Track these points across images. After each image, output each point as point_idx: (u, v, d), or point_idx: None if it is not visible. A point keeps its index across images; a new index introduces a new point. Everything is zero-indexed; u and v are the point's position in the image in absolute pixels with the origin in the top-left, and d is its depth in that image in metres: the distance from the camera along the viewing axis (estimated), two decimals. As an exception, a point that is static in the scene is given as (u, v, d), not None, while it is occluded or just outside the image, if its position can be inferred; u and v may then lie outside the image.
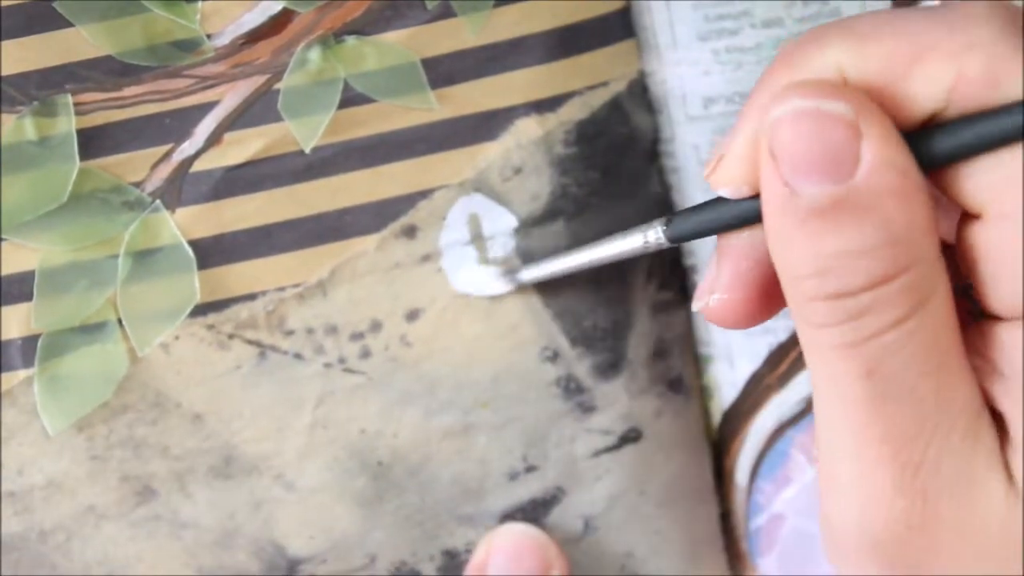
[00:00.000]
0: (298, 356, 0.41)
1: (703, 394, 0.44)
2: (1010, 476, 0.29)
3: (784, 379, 0.43)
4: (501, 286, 0.41)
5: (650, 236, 0.34)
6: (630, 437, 0.43)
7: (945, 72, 0.28)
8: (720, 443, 0.44)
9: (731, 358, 0.43)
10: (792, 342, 0.43)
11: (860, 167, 0.28)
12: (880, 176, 0.28)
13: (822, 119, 0.28)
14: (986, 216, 0.29)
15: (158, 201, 0.40)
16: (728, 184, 0.31)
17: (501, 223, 0.41)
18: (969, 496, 0.29)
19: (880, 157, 0.28)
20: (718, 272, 0.32)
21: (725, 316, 0.32)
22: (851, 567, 0.31)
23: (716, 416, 0.44)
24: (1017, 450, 0.29)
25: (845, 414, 0.29)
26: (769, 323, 0.42)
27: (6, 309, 0.39)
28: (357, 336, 0.41)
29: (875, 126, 0.28)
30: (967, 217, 0.29)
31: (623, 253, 0.35)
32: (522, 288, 0.41)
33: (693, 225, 0.33)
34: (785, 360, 0.43)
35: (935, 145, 0.29)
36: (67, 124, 0.39)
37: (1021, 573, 0.30)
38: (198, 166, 0.40)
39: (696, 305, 0.33)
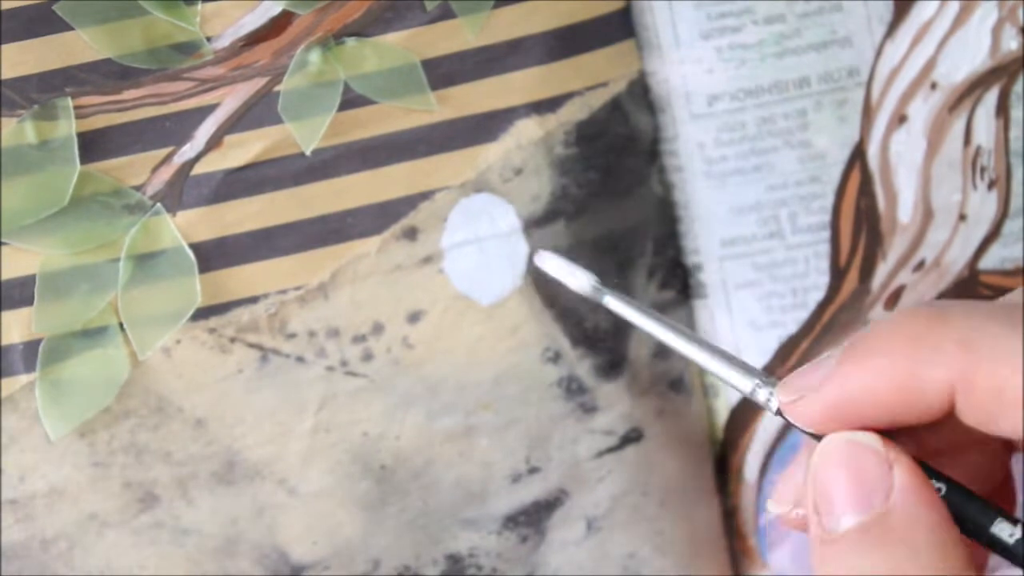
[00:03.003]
0: (300, 359, 0.41)
1: (707, 392, 0.44)
2: None
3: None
4: (578, 282, 0.37)
5: (761, 395, 0.34)
6: (632, 437, 0.43)
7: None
8: (727, 440, 0.44)
9: (739, 353, 0.43)
10: (801, 335, 0.43)
11: (892, 495, 0.31)
12: (910, 505, 0.30)
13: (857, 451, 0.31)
14: None
15: (159, 204, 0.40)
16: (809, 424, 0.33)
17: (505, 221, 0.41)
18: None
19: (910, 485, 0.31)
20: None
21: None
22: None
23: (723, 414, 0.44)
24: None
25: None
26: (778, 316, 0.43)
27: (7, 314, 0.39)
28: (359, 339, 0.41)
29: (903, 457, 0.31)
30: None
31: (721, 376, 0.35)
32: (528, 290, 0.41)
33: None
34: (795, 353, 0.43)
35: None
36: (67, 127, 0.39)
37: None
38: (199, 169, 0.40)
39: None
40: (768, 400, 0.33)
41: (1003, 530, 0.31)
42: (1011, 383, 0.30)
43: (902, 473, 0.31)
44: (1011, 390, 0.30)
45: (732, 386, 0.34)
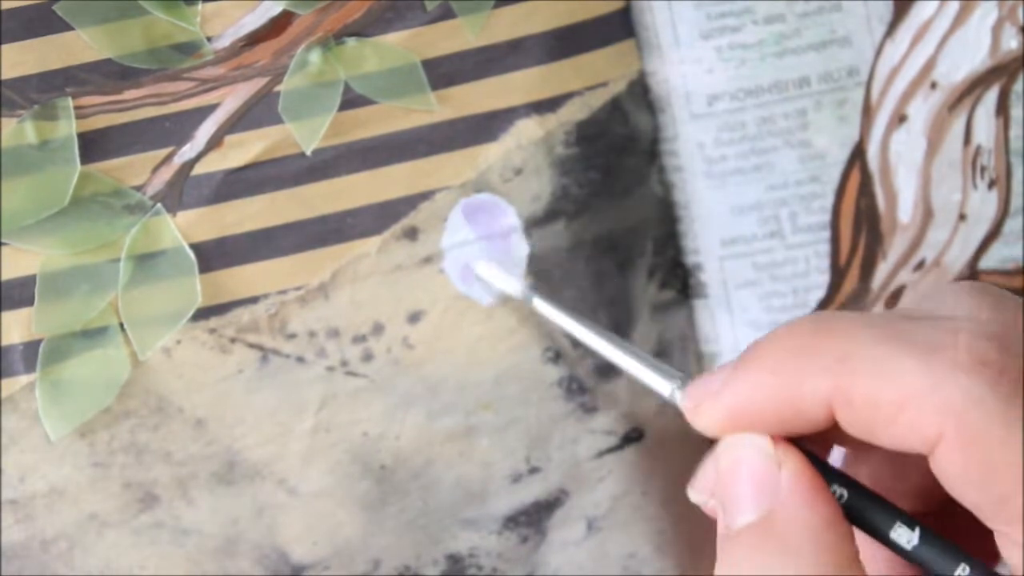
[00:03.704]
0: (300, 359, 0.41)
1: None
2: None
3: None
4: (511, 288, 0.40)
5: (679, 399, 0.35)
6: (632, 437, 0.43)
7: (925, 429, 0.30)
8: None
9: (738, 354, 0.43)
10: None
11: (779, 495, 0.31)
12: (795, 506, 0.31)
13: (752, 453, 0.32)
14: (932, 452, 0.31)
15: (159, 204, 0.40)
16: (707, 430, 0.34)
17: (506, 221, 0.41)
18: None
19: (796, 486, 0.31)
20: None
21: None
22: None
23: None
24: None
25: None
26: (778, 316, 0.43)
27: (7, 314, 0.39)
28: (359, 339, 0.41)
29: (792, 459, 0.32)
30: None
31: (641, 379, 0.36)
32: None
33: None
34: (793, 352, 0.43)
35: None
36: (67, 127, 0.39)
37: None
38: (199, 169, 0.40)
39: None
40: (673, 395, 0.35)
41: (901, 536, 0.32)
42: (884, 396, 0.30)
43: (788, 474, 0.32)
44: (884, 403, 0.30)
45: (652, 389, 0.36)
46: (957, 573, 0.32)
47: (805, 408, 0.32)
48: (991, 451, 0.30)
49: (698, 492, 0.35)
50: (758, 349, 0.33)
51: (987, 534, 0.31)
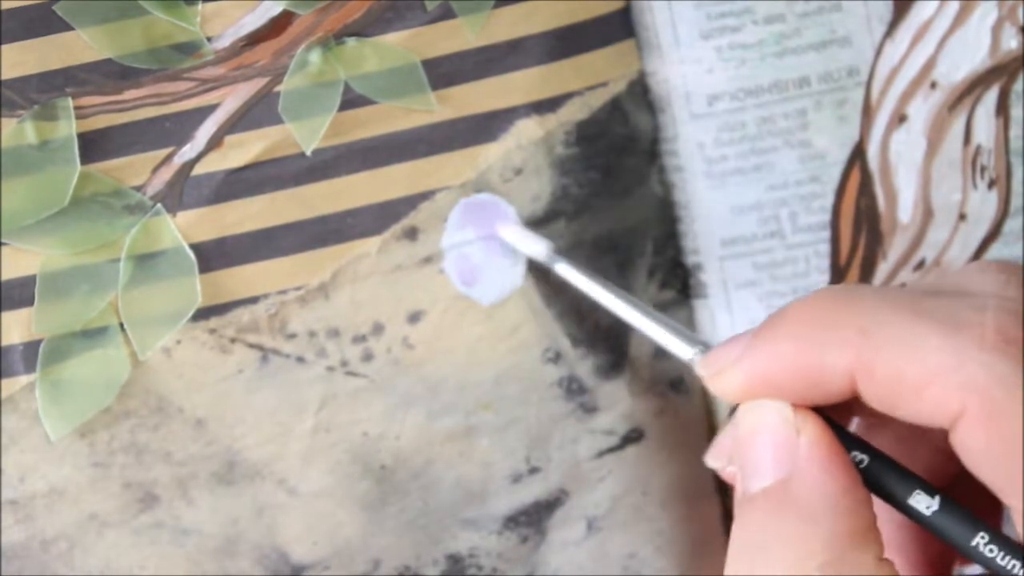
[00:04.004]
0: (300, 359, 0.41)
1: (707, 392, 0.44)
2: None
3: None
4: (535, 250, 0.40)
5: (687, 355, 0.35)
6: (632, 437, 0.43)
7: (949, 405, 0.30)
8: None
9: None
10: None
11: (797, 460, 0.32)
12: (812, 471, 0.32)
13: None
14: (953, 427, 0.31)
15: (159, 204, 0.40)
16: (726, 396, 0.34)
17: (505, 221, 0.41)
18: None
19: (813, 452, 0.32)
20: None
21: None
22: None
23: (723, 413, 0.44)
24: None
25: None
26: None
27: (7, 314, 0.39)
28: (359, 339, 0.41)
29: (811, 425, 0.32)
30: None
31: (663, 344, 0.37)
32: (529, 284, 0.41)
33: None
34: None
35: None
36: (67, 128, 0.39)
37: None
38: (199, 169, 0.40)
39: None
40: (693, 360, 0.35)
41: (920, 502, 0.32)
42: (908, 372, 0.30)
43: (807, 440, 0.32)
44: (908, 379, 0.30)
45: (673, 354, 0.36)
46: (975, 542, 0.31)
47: (825, 379, 0.32)
48: (1014, 428, 0.30)
49: (715, 458, 0.35)
50: (779, 318, 0.32)
51: (994, 516, 0.31)
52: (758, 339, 0.33)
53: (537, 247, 0.40)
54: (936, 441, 0.32)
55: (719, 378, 0.33)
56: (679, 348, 0.36)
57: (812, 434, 0.32)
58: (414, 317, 0.41)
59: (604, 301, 0.38)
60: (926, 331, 0.31)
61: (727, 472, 0.34)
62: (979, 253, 0.43)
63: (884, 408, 0.31)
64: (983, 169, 0.42)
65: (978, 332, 0.30)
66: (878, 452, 0.33)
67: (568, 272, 0.39)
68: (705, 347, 0.35)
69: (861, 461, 0.32)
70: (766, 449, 0.32)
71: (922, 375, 0.30)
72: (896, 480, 0.32)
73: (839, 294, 0.32)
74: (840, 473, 0.32)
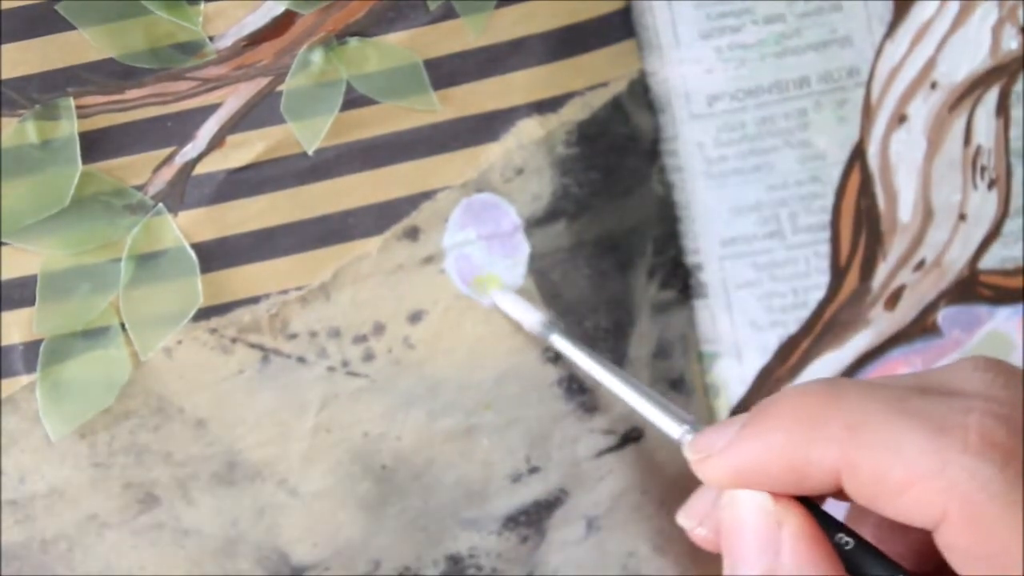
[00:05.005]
0: (301, 360, 0.41)
1: (707, 392, 0.44)
2: None
3: (795, 371, 0.43)
4: (529, 323, 0.41)
5: (676, 434, 0.36)
6: (632, 437, 0.43)
7: (931, 507, 0.31)
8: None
9: (739, 353, 0.43)
10: (802, 334, 0.43)
11: (781, 553, 0.32)
12: (796, 563, 0.32)
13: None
14: (936, 528, 0.31)
15: (160, 204, 0.40)
16: (712, 484, 0.35)
17: (507, 221, 0.41)
18: None
19: (797, 545, 0.32)
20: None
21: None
22: None
23: (723, 414, 0.44)
24: None
25: None
26: (778, 316, 0.43)
27: (7, 314, 0.39)
28: (360, 339, 0.41)
29: (793, 517, 0.33)
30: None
31: (654, 422, 0.37)
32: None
33: None
34: (795, 352, 0.43)
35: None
36: (69, 127, 0.39)
37: None
38: (201, 169, 0.40)
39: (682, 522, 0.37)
40: (684, 437, 0.36)
41: None
42: (891, 472, 0.31)
43: (789, 533, 0.32)
44: (891, 479, 0.31)
45: (664, 432, 0.37)
46: None
47: (811, 473, 0.32)
48: (996, 533, 0.30)
49: (687, 518, 0.36)
50: (768, 410, 0.33)
51: None
52: (747, 429, 0.33)
53: (532, 318, 0.40)
54: (921, 532, 0.32)
55: (706, 464, 0.34)
56: (669, 427, 0.36)
57: (794, 527, 0.33)
58: (415, 317, 0.41)
59: (597, 375, 0.39)
60: (911, 432, 0.31)
61: (695, 534, 0.36)
62: (979, 253, 0.43)
63: (868, 505, 0.32)
64: (983, 169, 0.42)
65: (961, 435, 0.30)
66: (861, 539, 0.33)
67: (562, 344, 0.40)
68: (693, 427, 0.36)
69: (847, 543, 0.33)
70: (750, 541, 0.33)
71: (905, 476, 0.31)
72: (879, 568, 0.33)
73: (828, 388, 0.33)
74: (823, 563, 0.32)
